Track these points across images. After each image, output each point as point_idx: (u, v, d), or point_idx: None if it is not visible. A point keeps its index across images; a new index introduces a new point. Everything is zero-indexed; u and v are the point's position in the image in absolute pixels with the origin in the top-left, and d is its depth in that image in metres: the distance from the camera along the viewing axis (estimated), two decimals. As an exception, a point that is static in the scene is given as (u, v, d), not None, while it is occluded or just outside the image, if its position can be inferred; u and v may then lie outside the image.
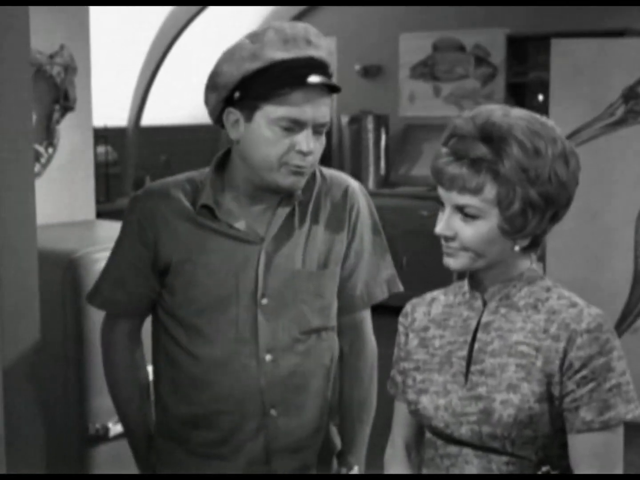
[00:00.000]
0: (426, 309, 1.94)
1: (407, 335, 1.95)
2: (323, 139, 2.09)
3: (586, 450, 1.74)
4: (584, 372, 1.72)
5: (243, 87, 2.02)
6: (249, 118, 2.03)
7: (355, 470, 2.30)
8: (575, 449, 1.75)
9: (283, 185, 2.07)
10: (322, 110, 2.03)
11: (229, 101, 2.06)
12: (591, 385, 1.72)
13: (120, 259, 2.23)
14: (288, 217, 2.14)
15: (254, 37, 2.03)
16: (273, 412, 2.13)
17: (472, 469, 1.79)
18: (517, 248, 1.77)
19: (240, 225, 2.13)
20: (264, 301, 2.12)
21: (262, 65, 1.99)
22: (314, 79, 1.99)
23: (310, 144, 2.03)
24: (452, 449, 1.82)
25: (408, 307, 1.98)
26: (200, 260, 2.12)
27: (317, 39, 2.03)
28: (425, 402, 1.84)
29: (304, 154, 2.03)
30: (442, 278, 6.33)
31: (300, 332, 2.15)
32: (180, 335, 2.16)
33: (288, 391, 2.14)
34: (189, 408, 2.17)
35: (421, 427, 1.92)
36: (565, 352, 1.73)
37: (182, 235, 2.13)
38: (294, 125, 2.01)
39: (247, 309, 2.12)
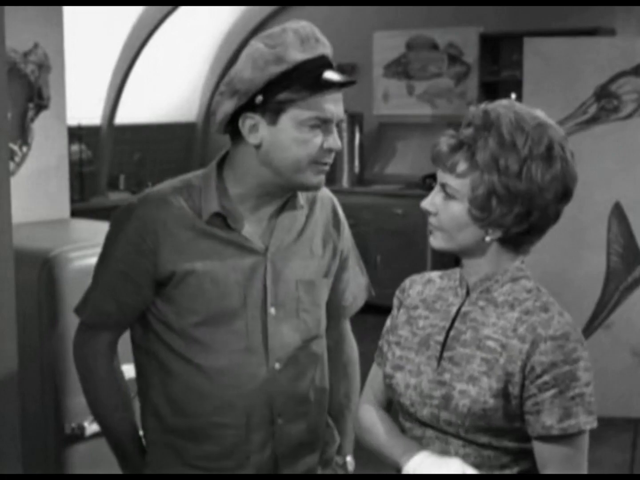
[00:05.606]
0: (421, 288, 1.99)
1: (399, 309, 2.00)
2: None
3: (548, 455, 1.77)
4: (545, 378, 1.74)
5: (267, 91, 1.99)
6: (273, 121, 2.01)
7: (349, 458, 2.38)
8: (539, 453, 1.79)
9: (311, 184, 2.08)
10: (341, 105, 2.06)
11: (246, 106, 2.01)
12: (553, 391, 1.74)
13: (112, 269, 2.13)
14: (290, 226, 2.15)
15: (271, 39, 2.01)
16: (280, 420, 2.13)
17: (433, 451, 1.83)
18: (487, 239, 1.81)
19: (247, 233, 2.10)
20: (272, 311, 2.11)
21: (287, 67, 1.98)
22: (340, 78, 2.02)
23: (337, 140, 2.06)
24: (417, 430, 1.87)
25: (407, 282, 2.03)
26: (206, 270, 2.07)
27: (322, 36, 2.05)
28: (399, 378, 1.89)
29: (333, 151, 2.07)
30: (417, 276, 6.39)
31: (302, 340, 2.16)
32: (176, 344, 2.10)
33: (293, 398, 2.15)
34: (186, 419, 2.12)
35: (391, 400, 1.97)
36: (529, 355, 1.75)
37: (186, 245, 2.07)
38: (321, 123, 2.02)
39: (256, 318, 2.10)
